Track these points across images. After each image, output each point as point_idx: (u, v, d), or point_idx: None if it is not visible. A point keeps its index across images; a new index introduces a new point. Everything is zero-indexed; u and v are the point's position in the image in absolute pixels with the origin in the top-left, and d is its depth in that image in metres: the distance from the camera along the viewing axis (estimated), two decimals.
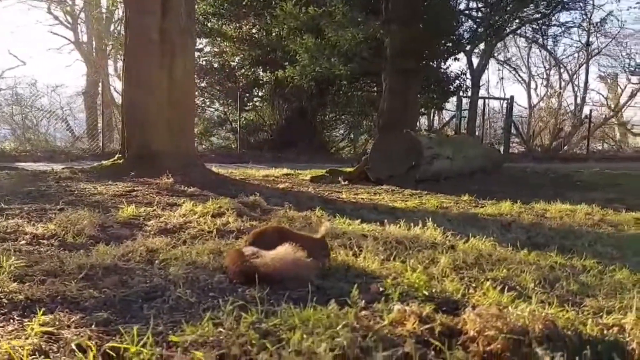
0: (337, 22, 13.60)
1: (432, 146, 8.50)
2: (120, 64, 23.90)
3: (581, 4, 20.11)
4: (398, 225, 3.64)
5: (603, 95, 36.77)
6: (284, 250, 2.38)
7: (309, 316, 1.70)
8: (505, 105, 22.49)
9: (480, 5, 19.66)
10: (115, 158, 8.50)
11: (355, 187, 7.57)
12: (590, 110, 27.78)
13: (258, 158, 15.81)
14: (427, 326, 1.66)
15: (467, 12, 19.24)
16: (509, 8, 18.87)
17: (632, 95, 34.14)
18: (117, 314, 1.91)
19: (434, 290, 2.14)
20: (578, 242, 3.55)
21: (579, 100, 32.93)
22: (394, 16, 12.66)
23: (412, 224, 3.61)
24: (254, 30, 20.04)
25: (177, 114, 8.23)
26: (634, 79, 34.45)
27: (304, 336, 1.53)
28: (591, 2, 20.80)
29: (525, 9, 19.26)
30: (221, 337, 1.59)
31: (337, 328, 1.57)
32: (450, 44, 19.14)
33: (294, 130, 19.14)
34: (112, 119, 21.59)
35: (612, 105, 35.05)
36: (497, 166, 11.88)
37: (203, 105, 21.21)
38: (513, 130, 22.81)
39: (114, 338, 1.65)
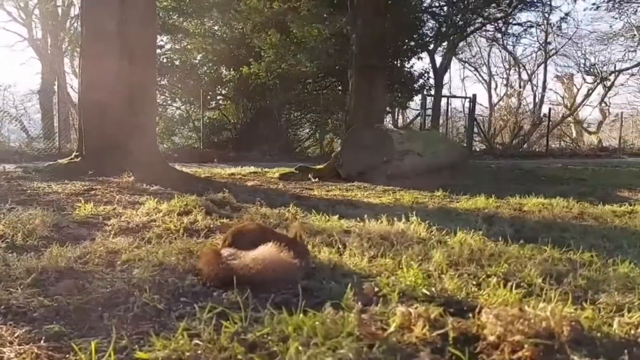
0: (302, 18, 13.37)
1: (403, 141, 8.34)
2: (77, 61, 23.12)
3: (541, 3, 20.41)
4: (380, 221, 3.42)
5: (560, 95, 37.67)
6: (268, 251, 2.13)
7: (302, 323, 1.45)
8: (467, 103, 22.65)
9: (442, 3, 19.72)
10: (72, 156, 8.05)
11: (326, 184, 7.33)
12: (550, 109, 28.31)
13: (222, 157, 15.41)
14: (440, 332, 1.44)
15: (430, 10, 19.26)
16: (471, 7, 19.01)
17: (588, 95, 35.04)
18: (72, 325, 1.62)
19: (433, 290, 1.92)
20: (567, 234, 3.39)
21: (537, 99, 33.65)
22: (359, 11, 12.51)
23: (394, 219, 3.39)
24: (216, 27, 19.62)
25: (137, 109, 7.84)
26: (589, 78, 35.39)
27: (300, 348, 1.29)
28: (549, 2, 21.07)
29: (487, 8, 19.43)
30: (199, 352, 1.32)
31: (339, 338, 1.33)
32: (413, 43, 19.17)
33: (258, 129, 18.79)
34: (68, 118, 20.83)
35: (569, 105, 35.88)
36: (464, 162, 11.84)
37: (164, 103, 20.65)
38: (475, 129, 23.01)
39: (67, 356, 1.37)
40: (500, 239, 2.92)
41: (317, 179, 7.85)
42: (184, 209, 4.03)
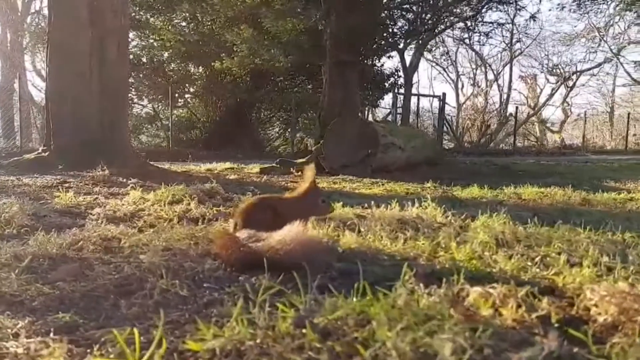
0: (276, 12, 13.06)
1: (386, 135, 8.14)
2: (39, 57, 22.32)
3: (508, 2, 20.57)
4: (391, 207, 3.18)
5: (524, 95, 38.41)
6: (295, 231, 1.86)
7: (375, 307, 1.19)
8: (437, 102, 22.75)
9: (413, 0, 19.66)
10: (40, 151, 7.60)
11: None
12: (517, 108, 28.72)
13: (193, 155, 14.91)
14: (539, 314, 1.20)
15: (402, 6, 19.19)
16: (441, 3, 19.03)
17: (551, 94, 35.80)
18: (84, 314, 1.33)
19: (494, 271, 1.69)
20: (588, 218, 3.19)
21: (503, 99, 34.21)
22: (333, 6, 12.33)
23: (409, 204, 3.16)
24: (183, 24, 19.11)
25: (109, 102, 7.45)
26: (552, 79, 36.17)
27: (389, 334, 1.03)
28: (514, 3, 21.21)
29: (458, 5, 19.48)
30: (260, 341, 1.05)
31: (433, 321, 1.08)
32: (384, 42, 19.09)
33: (228, 127, 18.36)
34: (30, 116, 20.04)
35: (532, 104, 36.57)
36: (440, 157, 11.76)
37: (130, 101, 19.99)
38: (444, 127, 23.14)
39: (89, 350, 1.08)
40: (529, 222, 2.70)
41: (299, 173, 7.58)
42: (173, 198, 3.73)
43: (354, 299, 1.28)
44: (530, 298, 1.32)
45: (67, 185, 4.92)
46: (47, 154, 7.28)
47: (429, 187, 5.87)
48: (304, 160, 8.30)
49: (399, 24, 20.22)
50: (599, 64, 34.07)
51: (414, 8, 19.84)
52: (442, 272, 1.64)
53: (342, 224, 2.73)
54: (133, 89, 19.53)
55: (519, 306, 1.22)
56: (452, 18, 20.68)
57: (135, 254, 1.97)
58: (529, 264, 1.83)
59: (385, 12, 18.12)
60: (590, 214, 3.52)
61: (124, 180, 5.45)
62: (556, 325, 1.18)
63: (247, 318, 1.12)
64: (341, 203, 3.55)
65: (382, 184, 6.20)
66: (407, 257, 1.97)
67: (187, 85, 20.11)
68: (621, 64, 32.88)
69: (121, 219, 3.03)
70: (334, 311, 1.18)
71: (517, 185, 5.68)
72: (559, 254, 1.95)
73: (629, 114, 28.79)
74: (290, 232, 1.86)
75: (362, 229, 2.49)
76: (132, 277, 1.64)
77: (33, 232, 2.39)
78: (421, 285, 1.42)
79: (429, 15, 19.89)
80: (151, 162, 8.30)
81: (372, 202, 3.43)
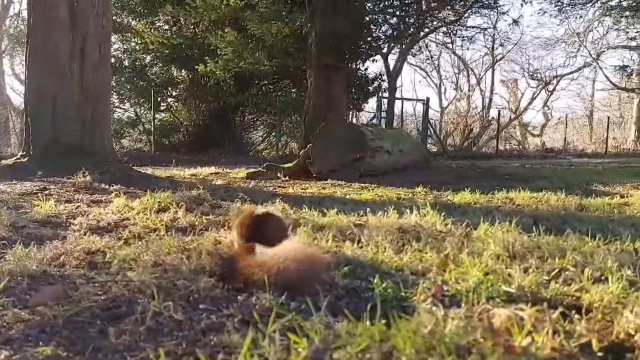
0: (260, 15, 12.93)
1: (374, 138, 8.04)
2: (17, 60, 21.92)
3: (491, 7, 20.65)
4: (387, 215, 3.06)
5: (505, 99, 38.82)
6: (296, 246, 1.73)
7: (400, 335, 1.06)
8: (422, 106, 22.78)
9: (397, 3, 19.64)
10: (18, 156, 7.34)
11: (298, 183, 6.93)
12: (499, 112, 28.91)
13: (175, 160, 14.68)
14: (579, 342, 1.08)
15: (386, 10, 19.16)
16: (424, 8, 19.06)
17: (533, 98, 36.19)
18: (68, 346, 1.18)
19: (511, 287, 1.57)
20: (589, 225, 3.11)
21: (485, 103, 34.50)
22: (318, 9, 12.25)
23: (408, 211, 3.04)
24: (166, 27, 18.86)
25: (90, 105, 7.23)
26: (533, 83, 36.59)
27: None
28: (496, 8, 21.27)
29: (441, 10, 19.52)
30: None
31: (472, 355, 0.95)
32: (367, 46, 19.06)
33: (212, 131, 18.15)
34: (8, 121, 19.64)
35: (513, 108, 36.94)
36: (427, 161, 11.69)
37: (112, 105, 19.66)
38: (429, 131, 23.19)
39: None
40: (533, 230, 2.60)
41: (287, 178, 7.45)
42: (159, 206, 3.58)
43: (368, 323, 1.15)
44: (561, 320, 1.20)
45: (47, 192, 4.73)
46: (26, 159, 7.04)
47: (419, 192, 5.77)
48: (291, 164, 8.15)
49: (383, 28, 20.27)
50: (579, 69, 34.62)
51: (398, 12, 19.85)
52: (458, 290, 1.52)
53: (340, 233, 2.59)
54: (115, 93, 19.20)
55: (554, 332, 1.10)
56: (435, 22, 20.73)
57: (122, 270, 1.81)
58: (546, 278, 1.72)
59: (370, 16, 18.12)
60: (590, 220, 3.43)
61: (107, 186, 5.27)
62: (599, 354, 1.06)
63: (258, 353, 0.99)
64: (335, 210, 3.42)
65: (372, 189, 6.09)
66: (415, 272, 1.85)
67: (169, 88, 19.82)
68: (600, 68, 33.36)
69: (105, 229, 2.87)
70: (351, 341, 1.05)
71: (508, 190, 5.60)
72: (576, 266, 1.84)
73: (608, 117, 29.12)
74: (293, 248, 1.72)
75: (362, 239, 2.37)
76: (120, 299, 1.49)
77: (11, 245, 2.23)
78: (440, 306, 1.30)
79: (412, 20, 19.95)
80: (134, 167, 8.09)
81: (367, 209, 3.32)
